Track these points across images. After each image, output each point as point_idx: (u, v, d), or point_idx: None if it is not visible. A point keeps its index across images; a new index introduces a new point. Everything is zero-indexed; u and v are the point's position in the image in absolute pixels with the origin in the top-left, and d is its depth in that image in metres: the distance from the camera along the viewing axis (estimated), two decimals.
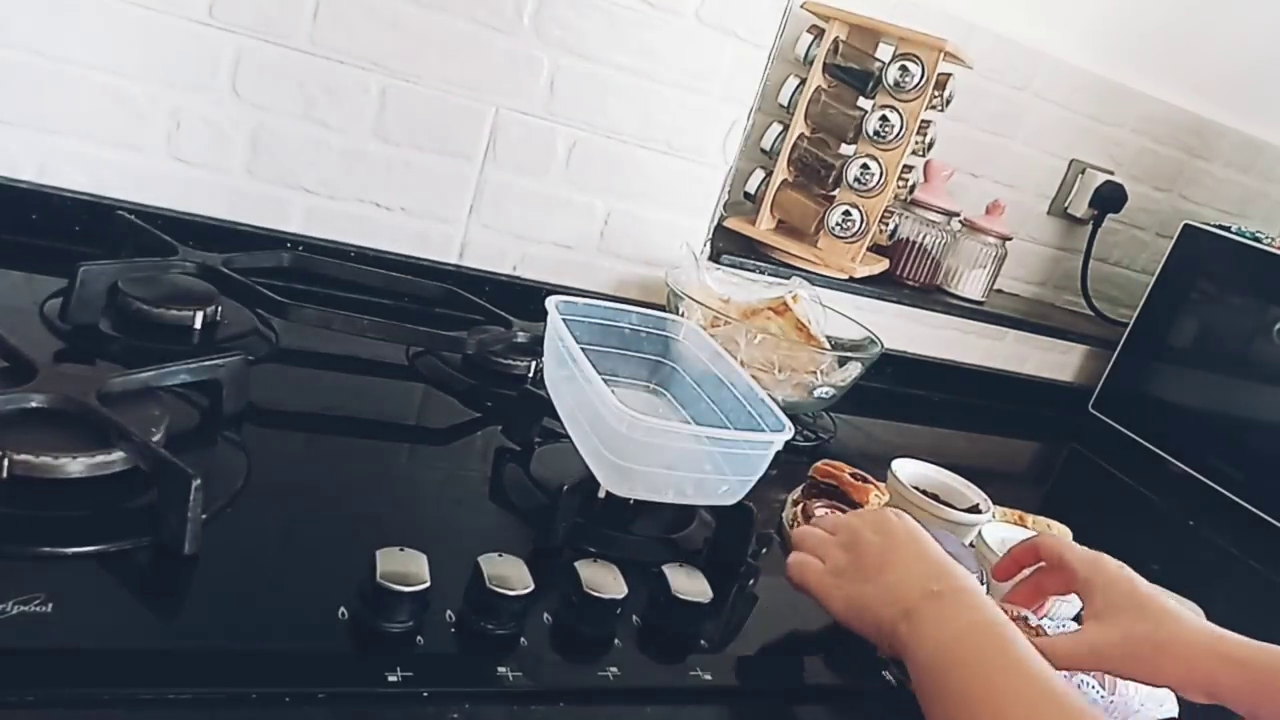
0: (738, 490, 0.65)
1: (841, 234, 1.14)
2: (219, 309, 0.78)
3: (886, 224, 1.19)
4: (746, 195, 1.18)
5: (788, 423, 0.65)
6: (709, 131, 1.04)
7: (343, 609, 0.50)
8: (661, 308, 0.99)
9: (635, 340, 0.78)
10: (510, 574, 0.52)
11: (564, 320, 0.69)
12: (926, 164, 1.26)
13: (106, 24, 0.81)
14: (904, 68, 1.08)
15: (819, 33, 1.11)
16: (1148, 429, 1.33)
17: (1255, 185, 1.60)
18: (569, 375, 0.66)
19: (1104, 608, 0.58)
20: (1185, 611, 0.57)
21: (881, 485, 0.80)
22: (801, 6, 1.11)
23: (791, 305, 0.98)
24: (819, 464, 0.80)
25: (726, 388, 0.73)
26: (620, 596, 0.55)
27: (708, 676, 0.55)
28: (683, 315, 0.94)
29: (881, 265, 1.26)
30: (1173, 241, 1.35)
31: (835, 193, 1.15)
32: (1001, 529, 0.80)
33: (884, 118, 1.10)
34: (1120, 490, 1.23)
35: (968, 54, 1.10)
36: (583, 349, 0.65)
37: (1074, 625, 0.69)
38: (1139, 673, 0.56)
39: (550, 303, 0.69)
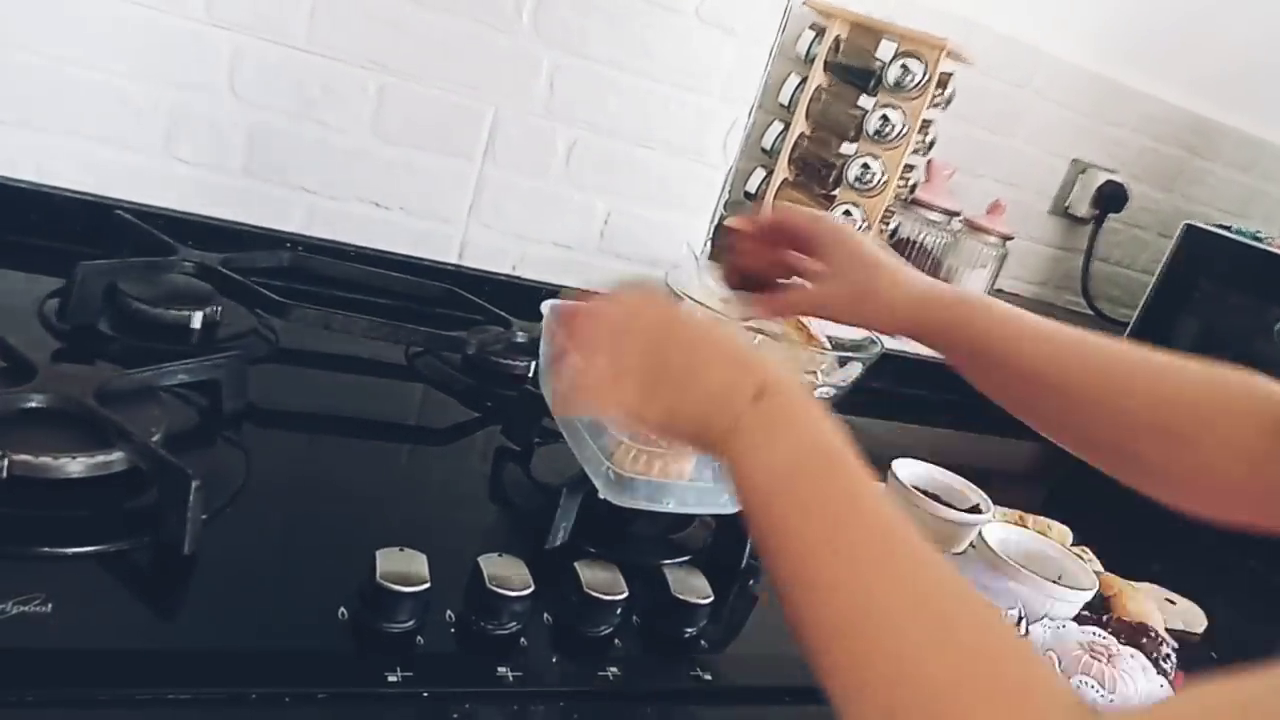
0: None
1: None
2: (218, 309, 0.78)
3: (887, 223, 1.19)
4: (747, 194, 1.17)
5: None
6: (709, 130, 1.04)
7: (343, 609, 0.50)
8: None
9: None
10: (510, 574, 0.52)
11: None
12: (928, 163, 1.26)
13: (105, 23, 0.81)
14: (905, 66, 1.07)
15: (820, 31, 1.11)
16: None
17: (1256, 184, 1.60)
18: None
19: (832, 265, 0.63)
20: (900, 264, 0.63)
21: None
22: (802, 4, 1.11)
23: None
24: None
25: None
26: (620, 597, 0.55)
27: (708, 677, 0.55)
28: None
29: None
30: (1174, 241, 1.35)
31: (836, 192, 1.15)
32: (1002, 529, 0.80)
33: (885, 116, 1.10)
34: (1120, 490, 1.23)
35: (969, 53, 1.10)
36: None
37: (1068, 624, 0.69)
38: (857, 318, 0.64)
39: (545, 306, 0.68)
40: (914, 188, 1.20)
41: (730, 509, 0.65)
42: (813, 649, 0.37)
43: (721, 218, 1.13)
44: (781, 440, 0.43)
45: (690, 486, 0.63)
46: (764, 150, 1.15)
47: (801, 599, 0.38)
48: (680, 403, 0.47)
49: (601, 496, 0.62)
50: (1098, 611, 0.76)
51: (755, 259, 0.67)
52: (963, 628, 0.35)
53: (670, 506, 0.63)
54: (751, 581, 0.67)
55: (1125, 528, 1.11)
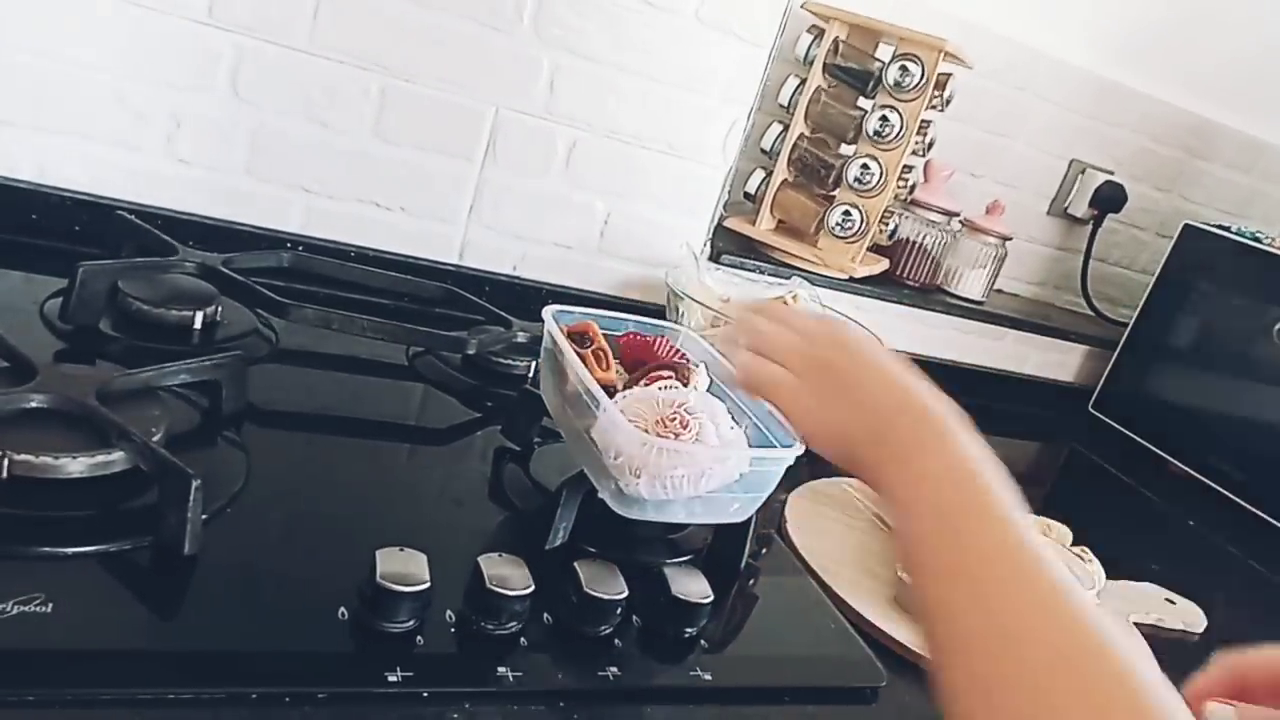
0: (748, 508, 0.63)
1: (841, 234, 1.14)
2: (219, 309, 0.78)
3: (886, 224, 1.19)
4: (746, 195, 1.18)
5: (797, 437, 0.63)
6: (709, 131, 1.04)
7: (343, 609, 0.50)
8: (661, 308, 0.99)
9: None
10: (510, 574, 0.52)
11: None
12: (926, 164, 1.26)
13: (106, 24, 0.81)
14: (904, 68, 1.07)
15: (819, 33, 1.11)
16: (1148, 429, 1.33)
17: (1255, 185, 1.60)
18: (575, 394, 0.64)
19: None
20: None
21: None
22: (801, 6, 1.11)
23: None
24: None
25: (728, 399, 0.72)
26: (620, 596, 0.55)
27: (708, 677, 0.55)
28: (682, 315, 0.94)
29: (881, 265, 1.26)
30: (1173, 241, 1.35)
31: (835, 193, 1.15)
32: None
33: (884, 118, 1.10)
34: (1120, 490, 1.23)
35: (968, 54, 1.10)
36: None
37: None
38: None
39: (546, 313, 0.67)
40: (913, 188, 1.20)
41: (739, 518, 0.64)
42: (939, 667, 0.37)
43: (721, 218, 1.13)
44: (923, 459, 0.44)
45: (698, 498, 0.62)
46: (763, 151, 1.15)
47: (934, 613, 0.39)
48: (836, 418, 0.49)
49: (611, 508, 0.61)
50: None
51: None
52: (1088, 656, 0.33)
53: (681, 517, 0.62)
54: (751, 581, 0.67)
55: (1125, 528, 1.12)
